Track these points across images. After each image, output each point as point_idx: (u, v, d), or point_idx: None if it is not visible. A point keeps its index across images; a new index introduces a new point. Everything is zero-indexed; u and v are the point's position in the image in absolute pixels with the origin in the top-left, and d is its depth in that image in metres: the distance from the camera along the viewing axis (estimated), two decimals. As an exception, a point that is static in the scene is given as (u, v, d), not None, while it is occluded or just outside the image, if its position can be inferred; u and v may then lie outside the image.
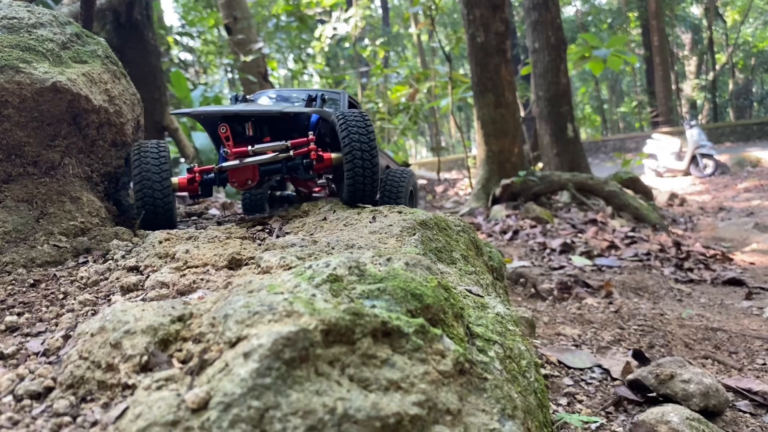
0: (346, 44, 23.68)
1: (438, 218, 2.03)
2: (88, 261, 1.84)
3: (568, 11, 36.97)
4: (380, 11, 28.63)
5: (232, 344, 0.99)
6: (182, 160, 8.39)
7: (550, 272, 5.78)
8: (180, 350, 1.09)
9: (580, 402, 3.06)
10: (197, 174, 2.33)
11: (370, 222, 1.92)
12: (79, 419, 1.03)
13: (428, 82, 15.30)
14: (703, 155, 16.46)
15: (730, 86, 34.18)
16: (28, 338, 1.35)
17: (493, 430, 1.05)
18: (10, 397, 1.11)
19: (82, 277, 1.66)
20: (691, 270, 5.96)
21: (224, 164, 2.29)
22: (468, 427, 1.02)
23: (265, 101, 2.81)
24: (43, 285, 1.66)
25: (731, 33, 33.97)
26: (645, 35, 28.65)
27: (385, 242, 1.74)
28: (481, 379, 1.15)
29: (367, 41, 22.62)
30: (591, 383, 3.27)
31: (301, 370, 0.93)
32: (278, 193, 3.07)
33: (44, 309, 1.50)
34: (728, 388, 2.91)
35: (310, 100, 2.53)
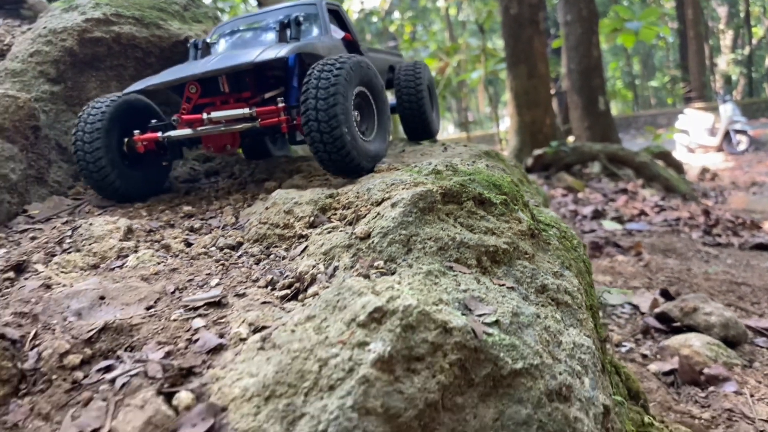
0: (374, 18, 23.83)
1: (495, 151, 2.45)
2: (219, 180, 2.32)
3: (600, -16, 36.06)
4: (409, -15, 28.57)
5: (378, 203, 1.45)
6: None
7: (582, 235, 6.11)
8: (335, 214, 1.55)
9: (611, 331, 3.45)
10: (139, 142, 2.06)
11: (443, 151, 2.36)
12: (271, 256, 1.50)
13: (458, 55, 15.49)
14: (737, 131, 16.18)
15: (767, 61, 33.15)
16: (205, 220, 1.83)
17: (556, 272, 1.48)
18: (214, 248, 1.59)
19: (222, 188, 2.14)
20: (719, 235, 6.12)
21: (171, 133, 2.02)
22: (539, 267, 1.46)
23: (230, 44, 2.35)
24: (192, 193, 2.15)
25: (771, 6, 32.77)
26: (679, 8, 27.94)
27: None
28: (545, 243, 1.58)
29: (397, 14, 22.72)
30: (622, 317, 3.67)
31: (429, 216, 1.38)
32: None
33: (205, 205, 1.98)
34: (748, 327, 3.23)
35: (282, 29, 2.17)
